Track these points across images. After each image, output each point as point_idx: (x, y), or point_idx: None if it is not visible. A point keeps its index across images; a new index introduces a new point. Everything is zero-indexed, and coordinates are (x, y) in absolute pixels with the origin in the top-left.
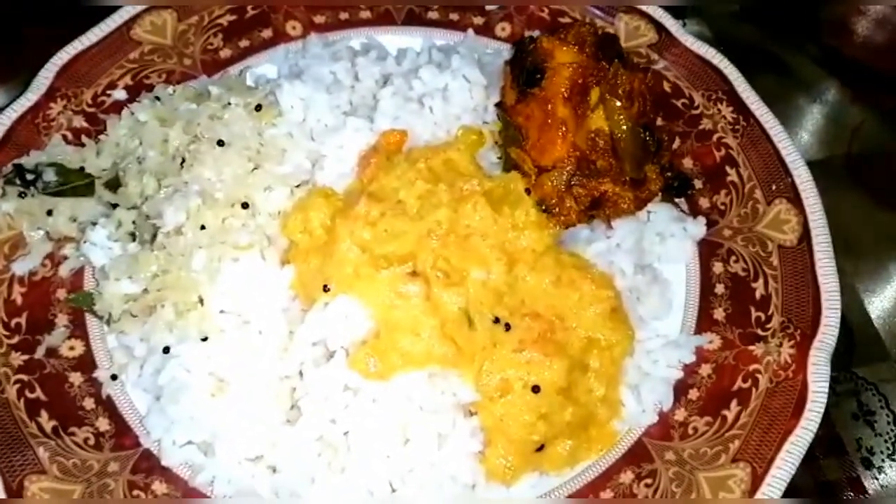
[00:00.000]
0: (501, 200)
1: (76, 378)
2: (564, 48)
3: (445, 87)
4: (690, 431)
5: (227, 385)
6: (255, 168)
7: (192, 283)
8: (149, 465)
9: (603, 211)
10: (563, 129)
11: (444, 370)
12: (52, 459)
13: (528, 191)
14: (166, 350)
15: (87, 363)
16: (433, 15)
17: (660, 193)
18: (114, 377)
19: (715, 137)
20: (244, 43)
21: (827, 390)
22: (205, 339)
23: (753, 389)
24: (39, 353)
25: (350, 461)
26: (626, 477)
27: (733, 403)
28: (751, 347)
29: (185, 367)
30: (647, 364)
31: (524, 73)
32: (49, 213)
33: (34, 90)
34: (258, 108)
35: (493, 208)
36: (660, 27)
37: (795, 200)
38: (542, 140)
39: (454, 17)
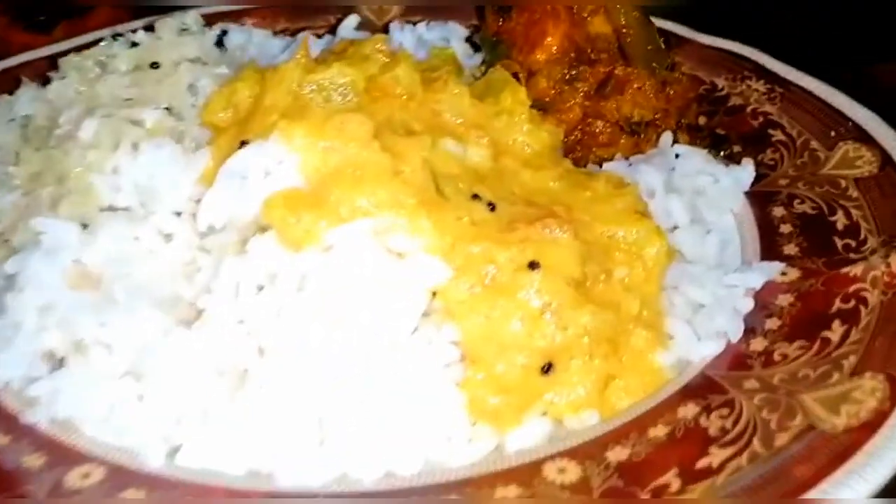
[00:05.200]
0: (484, 95)
1: None
2: None
3: (420, 35)
4: (777, 358)
5: (98, 282)
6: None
7: (76, 161)
8: None
9: (612, 98)
10: (555, 17)
11: (399, 224)
12: None
13: (516, 76)
14: None
15: None
16: None
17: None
18: None
19: (749, 109)
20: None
21: None
22: (85, 227)
23: (861, 307)
24: None
25: (262, 385)
26: (688, 411)
27: (835, 324)
28: (844, 270)
29: (48, 251)
30: (699, 294)
31: None
32: None
33: None
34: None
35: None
36: (666, 33)
37: (864, 138)
38: (531, 35)
39: None
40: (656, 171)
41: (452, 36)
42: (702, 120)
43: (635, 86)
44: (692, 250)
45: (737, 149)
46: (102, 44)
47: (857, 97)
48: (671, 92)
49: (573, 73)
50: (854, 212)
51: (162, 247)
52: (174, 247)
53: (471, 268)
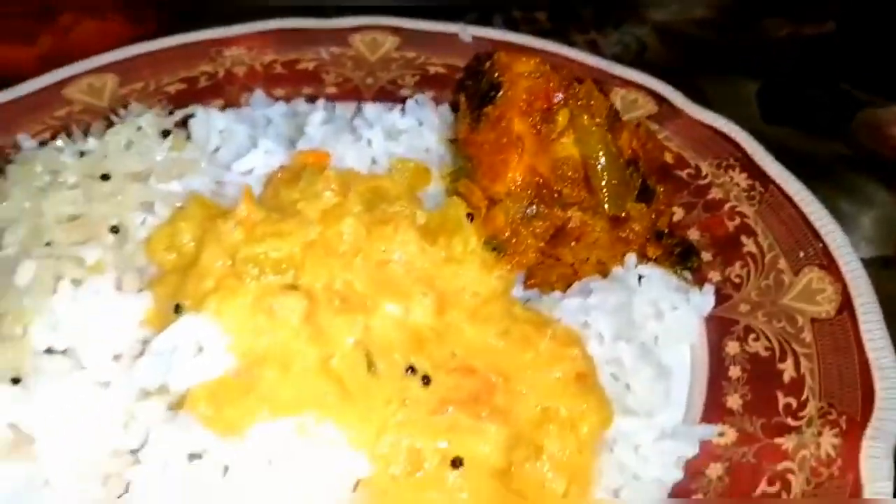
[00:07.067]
0: (437, 232)
1: None
2: (524, 58)
3: (392, 125)
4: None
5: (32, 447)
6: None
7: (10, 307)
8: None
9: (568, 246)
10: (520, 146)
11: (323, 421)
12: None
13: (470, 216)
14: None
15: None
16: (406, 92)
17: (654, 260)
18: None
19: (727, 206)
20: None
21: (891, 491)
22: (16, 381)
23: (784, 493)
24: None
25: None
26: None
27: None
28: (778, 440)
29: None
30: (633, 462)
31: (478, 93)
32: None
33: None
34: (166, 133)
35: (427, 241)
36: (660, 98)
37: (830, 267)
38: (494, 163)
39: (430, 93)
40: (609, 316)
41: (427, 125)
42: (679, 213)
43: (590, 239)
44: (637, 394)
45: (706, 257)
46: (58, 143)
47: None
48: (630, 234)
49: (532, 210)
50: (803, 362)
51: (99, 396)
52: (111, 395)
53: (395, 458)
